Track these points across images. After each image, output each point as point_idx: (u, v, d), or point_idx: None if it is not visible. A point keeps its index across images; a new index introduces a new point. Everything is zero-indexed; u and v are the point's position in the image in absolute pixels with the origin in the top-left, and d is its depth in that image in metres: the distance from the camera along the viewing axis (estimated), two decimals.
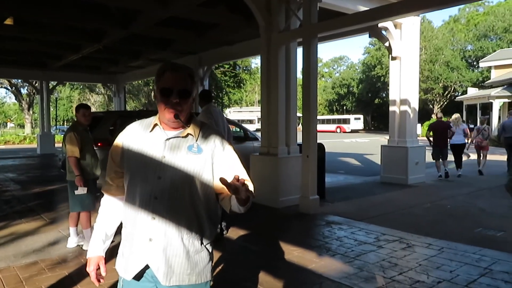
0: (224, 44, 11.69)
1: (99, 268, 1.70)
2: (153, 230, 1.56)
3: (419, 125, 19.03)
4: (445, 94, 41.53)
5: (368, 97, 53.76)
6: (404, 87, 9.01)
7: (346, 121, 48.82)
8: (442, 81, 40.49)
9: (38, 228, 5.57)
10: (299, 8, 6.71)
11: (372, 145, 23.32)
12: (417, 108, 9.38)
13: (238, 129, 10.54)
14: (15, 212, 6.60)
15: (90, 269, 1.69)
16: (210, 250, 1.68)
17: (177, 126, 1.60)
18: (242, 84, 33.41)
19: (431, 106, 41.61)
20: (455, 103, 35.23)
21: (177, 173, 1.56)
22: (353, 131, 46.73)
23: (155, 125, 1.62)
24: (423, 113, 33.28)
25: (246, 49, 11.55)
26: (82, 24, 9.51)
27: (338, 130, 48.28)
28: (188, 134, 1.60)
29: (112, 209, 1.75)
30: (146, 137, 1.62)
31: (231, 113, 49.61)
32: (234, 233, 5.26)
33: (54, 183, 9.65)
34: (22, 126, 55.64)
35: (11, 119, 69.80)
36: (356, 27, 6.55)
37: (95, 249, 1.71)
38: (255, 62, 38.38)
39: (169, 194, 1.56)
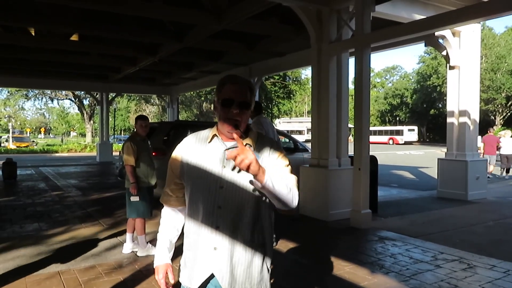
0: (275, 56, 11.77)
1: (167, 275, 1.75)
2: (217, 239, 1.59)
3: (479, 138, 18.32)
4: (508, 105, 38.97)
5: (423, 108, 51.71)
6: (463, 98, 8.55)
7: (399, 133, 47.18)
8: (505, 90, 38.05)
9: (96, 233, 5.85)
10: (351, 18, 6.62)
11: (427, 158, 22.30)
12: (477, 120, 8.86)
13: (288, 140, 10.51)
14: (76, 217, 6.98)
15: (159, 277, 1.74)
16: (270, 262, 1.69)
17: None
18: (291, 95, 33.39)
19: (493, 118, 39.21)
20: None
21: (239, 182, 1.59)
22: (406, 143, 45.05)
23: (214, 136, 1.66)
24: (484, 125, 31.37)
25: (297, 60, 11.53)
26: (139, 38, 9.99)
27: (391, 141, 46.75)
28: (246, 144, 1.62)
29: (173, 219, 1.81)
30: (204, 148, 1.66)
31: (281, 124, 49.69)
32: (283, 245, 5.20)
33: (111, 190, 10.12)
34: (83, 135, 59.22)
35: (74, 128, 74.60)
36: (411, 36, 6.36)
37: (162, 257, 1.77)
38: (305, 73, 38.27)
39: (232, 203, 1.59)
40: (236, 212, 1.59)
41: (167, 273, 1.74)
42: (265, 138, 1.71)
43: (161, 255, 1.77)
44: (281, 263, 4.61)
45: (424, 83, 49.66)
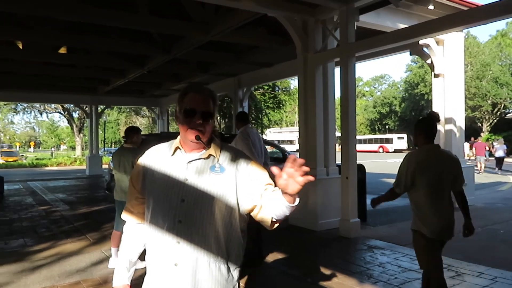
0: (263, 66, 11.82)
1: None
2: (178, 254, 1.53)
3: (466, 144, 19.56)
4: (494, 112, 39.54)
5: (411, 116, 52.23)
6: (448, 105, 8.66)
7: (388, 141, 47.53)
8: (490, 98, 38.62)
9: (82, 248, 5.76)
10: (336, 28, 6.69)
11: None
12: (463, 127, 8.96)
13: (277, 150, 10.52)
14: (62, 232, 6.87)
15: None
16: (237, 277, 1.63)
17: (198, 147, 1.60)
18: (281, 105, 33.50)
19: (480, 124, 39.72)
20: (506, 120, 33.43)
21: (201, 195, 1.54)
22: (396, 151, 45.33)
23: (177, 148, 1.62)
24: (471, 132, 31.79)
25: (285, 70, 11.60)
26: (128, 50, 9.98)
27: (381, 150, 47.04)
28: (209, 155, 1.59)
29: (134, 236, 1.74)
30: (167, 160, 1.62)
31: (271, 134, 49.78)
32: (271, 256, 5.17)
33: (100, 203, 10.01)
34: (73, 148, 58.62)
35: (64, 141, 73.85)
36: (395, 45, 6.43)
37: (121, 278, 1.71)
38: (294, 83, 38.46)
39: (194, 217, 1.54)
40: (197, 227, 1.53)
41: None
42: (230, 148, 1.68)
43: (119, 275, 1.71)
44: (269, 274, 4.58)
45: (412, 92, 50.27)
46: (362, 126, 62.20)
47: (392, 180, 3.28)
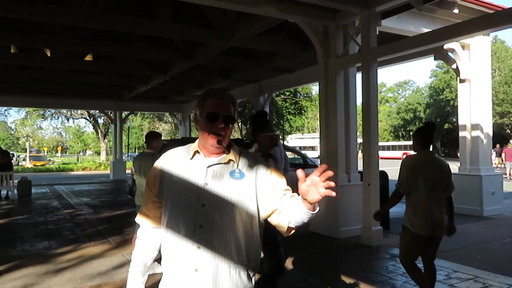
0: (284, 72, 11.81)
1: None
2: (198, 260, 1.51)
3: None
4: None
5: (436, 122, 51.05)
6: (475, 111, 8.42)
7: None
8: None
9: (104, 251, 5.84)
10: (357, 33, 6.63)
11: None
12: (491, 134, 8.69)
13: (298, 156, 10.47)
14: (86, 235, 7.00)
15: None
16: (254, 282, 1.61)
17: (218, 152, 1.58)
18: (303, 111, 33.40)
19: (509, 131, 38.49)
20: None
21: (221, 200, 1.53)
22: None
23: (196, 152, 1.60)
24: (499, 139, 30.83)
25: (306, 75, 11.56)
26: (151, 57, 10.16)
27: (405, 156, 46.20)
28: (229, 160, 1.58)
29: (149, 240, 1.71)
30: (186, 164, 1.60)
31: (293, 140, 49.65)
32: (291, 263, 5.11)
33: (122, 207, 10.16)
34: (98, 153, 59.95)
35: (90, 146, 75.66)
36: (418, 50, 6.32)
37: (135, 283, 1.68)
38: (316, 89, 38.31)
39: (215, 222, 1.52)
40: (218, 232, 1.51)
41: None
42: (249, 154, 1.67)
43: (134, 280, 1.68)
44: (289, 282, 4.52)
45: (437, 97, 49.25)
46: (386, 133, 61.20)
47: None
